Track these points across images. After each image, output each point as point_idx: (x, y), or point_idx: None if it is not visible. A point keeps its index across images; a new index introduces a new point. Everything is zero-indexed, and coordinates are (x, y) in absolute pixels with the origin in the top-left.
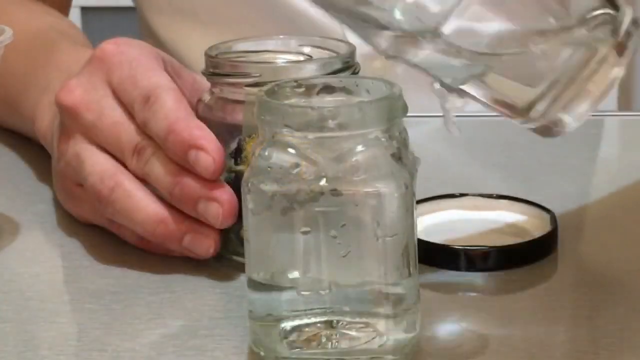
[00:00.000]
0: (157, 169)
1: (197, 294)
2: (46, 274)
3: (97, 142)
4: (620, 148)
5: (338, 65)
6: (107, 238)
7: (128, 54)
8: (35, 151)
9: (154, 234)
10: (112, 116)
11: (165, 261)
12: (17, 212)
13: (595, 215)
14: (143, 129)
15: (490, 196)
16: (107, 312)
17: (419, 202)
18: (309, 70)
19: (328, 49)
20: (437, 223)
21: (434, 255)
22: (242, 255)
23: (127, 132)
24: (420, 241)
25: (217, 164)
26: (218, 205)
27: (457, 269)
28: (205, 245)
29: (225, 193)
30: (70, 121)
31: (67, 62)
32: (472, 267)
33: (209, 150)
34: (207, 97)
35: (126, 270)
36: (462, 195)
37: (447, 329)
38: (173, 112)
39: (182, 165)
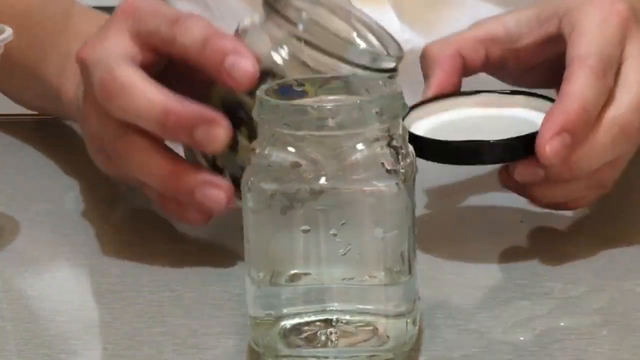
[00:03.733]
0: (138, 103)
1: (197, 292)
2: (46, 272)
3: None
4: None
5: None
6: (108, 237)
7: (150, 3)
8: (36, 150)
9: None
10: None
11: (165, 260)
12: (18, 212)
13: (595, 215)
14: (166, 48)
15: (504, 92)
16: (107, 311)
17: (429, 101)
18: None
19: (380, 39)
20: (449, 121)
21: (425, 149)
22: None
23: None
24: (412, 135)
25: (255, 70)
26: (216, 125)
27: (449, 161)
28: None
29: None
30: (87, 75)
31: (86, 28)
32: (465, 160)
33: (246, 56)
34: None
35: (126, 269)
36: (476, 92)
37: (447, 327)
38: (207, 28)
39: (214, 77)
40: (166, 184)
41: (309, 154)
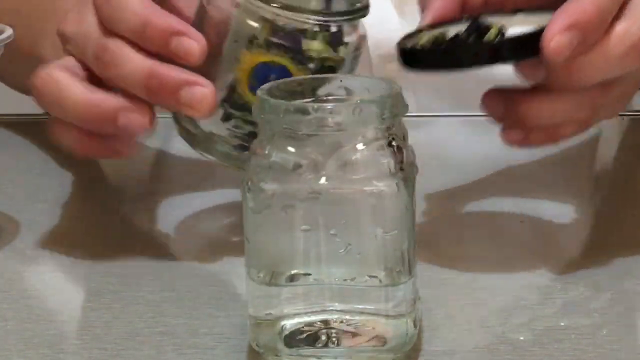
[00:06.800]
0: (124, 68)
1: (197, 292)
2: (46, 272)
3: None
4: (620, 148)
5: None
6: (108, 237)
7: None
8: (36, 151)
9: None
10: (87, 25)
11: (165, 260)
12: (18, 211)
13: (595, 215)
14: (109, 28)
15: (502, 15)
16: (107, 311)
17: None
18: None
19: None
20: None
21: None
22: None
23: (91, 39)
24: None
25: (202, 47)
26: (201, 87)
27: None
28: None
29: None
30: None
31: (72, 6)
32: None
33: (190, 35)
34: None
35: (126, 269)
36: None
37: (447, 327)
38: (141, 8)
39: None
40: (86, 111)
41: (309, 154)
